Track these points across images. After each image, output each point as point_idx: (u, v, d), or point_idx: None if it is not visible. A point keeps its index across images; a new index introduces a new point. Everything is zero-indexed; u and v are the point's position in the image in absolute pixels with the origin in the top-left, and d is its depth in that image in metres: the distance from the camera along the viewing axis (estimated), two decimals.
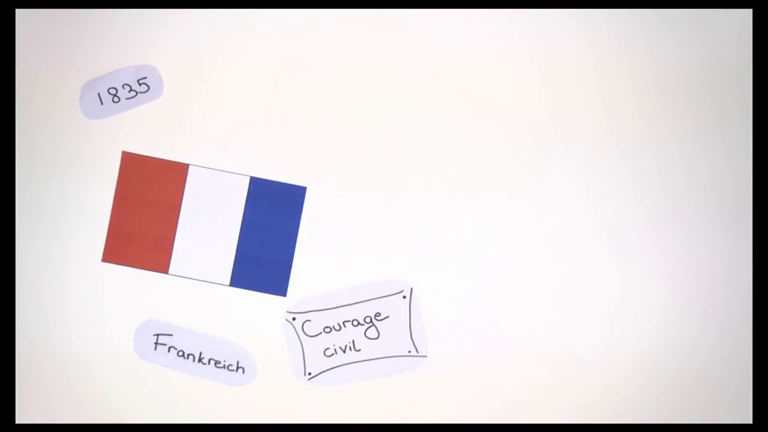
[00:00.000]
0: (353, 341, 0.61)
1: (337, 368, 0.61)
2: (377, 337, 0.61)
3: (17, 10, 0.60)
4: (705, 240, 0.62)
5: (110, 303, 0.61)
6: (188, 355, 0.61)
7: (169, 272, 0.61)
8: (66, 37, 0.61)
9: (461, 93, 0.62)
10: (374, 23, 0.62)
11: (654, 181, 0.62)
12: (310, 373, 0.61)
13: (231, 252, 0.61)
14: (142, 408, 0.61)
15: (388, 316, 0.61)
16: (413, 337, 0.61)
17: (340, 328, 0.61)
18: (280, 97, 0.62)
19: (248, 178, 0.61)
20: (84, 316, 0.61)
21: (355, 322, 0.61)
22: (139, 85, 0.61)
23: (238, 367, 0.61)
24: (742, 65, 0.62)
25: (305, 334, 0.61)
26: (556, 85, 0.62)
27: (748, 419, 0.60)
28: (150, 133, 0.61)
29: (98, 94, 0.61)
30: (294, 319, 0.61)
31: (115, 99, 0.61)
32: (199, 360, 0.61)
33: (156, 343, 0.61)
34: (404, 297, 0.61)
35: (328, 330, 0.61)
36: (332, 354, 0.61)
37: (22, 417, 0.60)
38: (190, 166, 0.61)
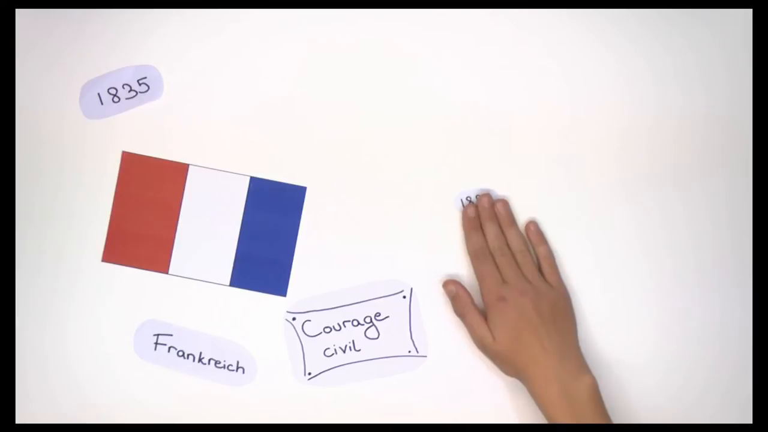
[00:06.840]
0: (353, 341, 0.61)
1: (337, 368, 0.61)
2: (377, 337, 0.61)
3: (17, 10, 0.60)
4: (699, 241, 0.62)
5: (110, 303, 0.61)
6: (188, 355, 0.61)
7: (169, 272, 0.61)
8: (66, 37, 0.61)
9: (464, 96, 0.62)
10: (377, 24, 0.62)
11: (647, 192, 0.62)
12: (310, 373, 0.61)
13: (231, 252, 0.61)
14: (142, 408, 0.61)
15: (388, 316, 0.61)
16: (413, 337, 0.61)
17: (340, 328, 0.61)
18: (280, 97, 0.62)
19: (248, 178, 0.61)
20: (84, 316, 0.61)
21: (355, 322, 0.61)
22: (139, 85, 0.61)
23: (238, 367, 0.61)
24: (742, 65, 0.62)
25: (305, 334, 0.61)
26: (549, 95, 0.62)
27: (748, 419, 0.60)
28: (150, 133, 0.61)
29: (98, 94, 0.61)
30: (294, 319, 0.61)
31: (115, 99, 0.61)
32: (199, 360, 0.61)
33: (156, 343, 0.61)
34: (404, 297, 0.61)
35: (328, 330, 0.61)
36: (332, 354, 0.61)
37: (22, 417, 0.60)
38: (190, 166, 0.61)
